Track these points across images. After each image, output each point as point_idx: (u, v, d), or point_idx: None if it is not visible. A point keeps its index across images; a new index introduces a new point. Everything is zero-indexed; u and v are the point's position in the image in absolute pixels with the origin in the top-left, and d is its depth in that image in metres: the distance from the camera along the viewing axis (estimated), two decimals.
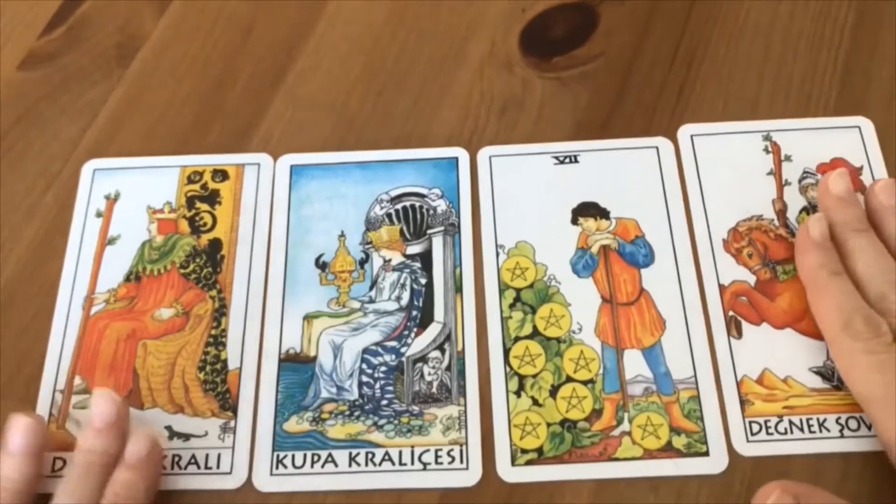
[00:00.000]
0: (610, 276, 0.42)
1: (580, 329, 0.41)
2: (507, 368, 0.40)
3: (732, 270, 0.42)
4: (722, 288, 0.42)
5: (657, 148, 0.45)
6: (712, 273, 0.42)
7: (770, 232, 0.43)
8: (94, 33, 0.52)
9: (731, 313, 0.41)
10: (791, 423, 0.38)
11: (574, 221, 0.44)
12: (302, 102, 0.49)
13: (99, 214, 0.45)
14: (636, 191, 0.44)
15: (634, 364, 0.40)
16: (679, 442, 0.38)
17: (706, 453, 0.38)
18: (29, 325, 0.43)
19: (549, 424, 0.39)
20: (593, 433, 0.39)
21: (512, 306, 0.42)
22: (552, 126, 0.47)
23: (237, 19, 0.52)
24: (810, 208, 0.43)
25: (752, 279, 0.42)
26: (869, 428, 0.38)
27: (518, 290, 0.42)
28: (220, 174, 0.46)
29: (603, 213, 0.44)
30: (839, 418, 0.38)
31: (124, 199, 0.45)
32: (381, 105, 0.48)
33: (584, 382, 0.40)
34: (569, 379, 0.40)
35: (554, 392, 0.40)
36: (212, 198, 0.45)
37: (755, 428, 0.38)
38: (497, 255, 0.43)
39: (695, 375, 0.40)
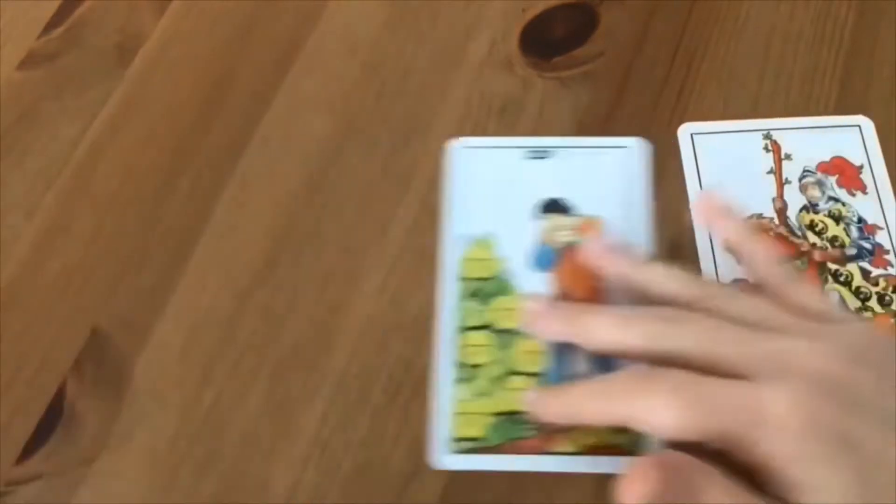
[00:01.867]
0: (568, 273, 0.42)
1: None
2: (456, 357, 0.40)
3: (732, 269, 0.42)
4: None
5: (629, 148, 0.45)
6: (712, 271, 0.42)
7: (770, 230, 0.43)
8: (94, 33, 0.52)
9: None
10: None
11: (538, 217, 0.44)
12: (302, 102, 0.49)
13: None
14: (603, 189, 0.44)
15: (581, 359, 0.40)
16: (618, 438, 0.38)
17: (640, 451, 0.37)
18: (31, 323, 0.43)
19: (490, 414, 0.39)
20: (533, 426, 0.38)
21: (467, 297, 0.42)
22: (553, 126, 0.47)
23: (237, 19, 0.52)
24: (810, 206, 0.43)
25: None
26: None
27: (475, 282, 0.42)
28: None
29: (568, 210, 0.44)
30: None
31: None
32: (381, 105, 0.48)
33: (531, 375, 0.40)
34: (516, 371, 0.40)
35: (499, 383, 0.39)
36: None
37: None
38: (458, 246, 0.43)
39: None
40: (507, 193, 0.44)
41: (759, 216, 0.43)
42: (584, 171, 0.45)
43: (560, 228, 0.43)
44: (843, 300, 0.41)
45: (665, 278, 0.37)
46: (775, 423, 0.30)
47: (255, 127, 0.48)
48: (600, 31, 0.50)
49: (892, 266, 0.42)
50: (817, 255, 0.42)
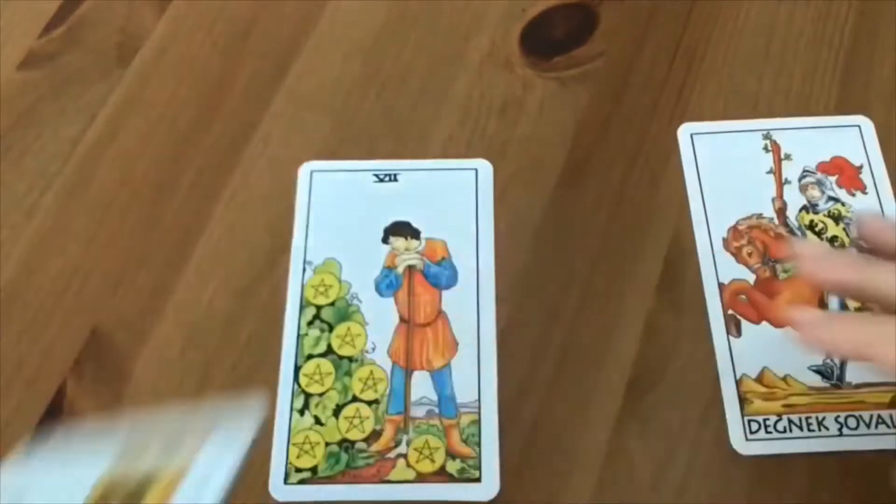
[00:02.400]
0: (411, 297, 0.42)
1: (374, 349, 0.41)
2: (296, 386, 0.40)
3: (732, 269, 0.42)
4: (722, 286, 0.41)
5: (476, 170, 0.45)
6: (712, 271, 0.42)
7: (770, 230, 0.43)
8: (94, 33, 0.52)
9: (730, 312, 0.41)
10: (790, 421, 0.38)
11: (385, 240, 0.43)
12: (302, 102, 0.49)
13: None
14: (450, 212, 0.44)
15: (421, 385, 0.40)
16: (453, 467, 0.38)
17: (478, 479, 0.37)
18: (31, 323, 0.43)
19: (327, 444, 0.38)
20: (370, 454, 0.38)
21: (310, 324, 0.41)
22: (552, 126, 0.47)
23: (237, 19, 0.52)
24: (809, 207, 0.43)
25: (751, 278, 0.42)
26: (868, 427, 0.38)
27: (319, 308, 0.42)
28: None
29: (414, 233, 0.43)
30: (838, 417, 0.38)
31: None
32: (381, 105, 0.48)
33: (369, 403, 0.39)
34: (354, 398, 0.39)
35: (338, 411, 0.39)
36: None
37: (754, 426, 0.38)
38: (304, 270, 0.43)
39: (479, 400, 0.39)
40: (356, 217, 0.44)
41: (759, 216, 0.43)
42: (431, 194, 0.45)
43: (404, 251, 0.43)
44: (844, 303, 0.41)
45: None
46: None
47: (254, 127, 0.48)
48: (600, 31, 0.50)
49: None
50: None
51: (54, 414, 0.41)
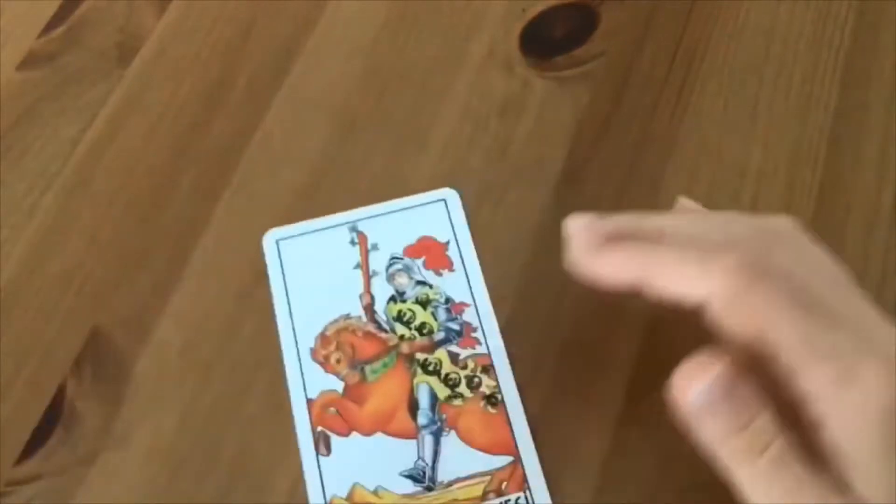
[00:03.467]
0: None
1: None
2: None
3: (321, 380, 0.39)
4: (310, 402, 0.39)
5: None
6: (300, 387, 0.39)
7: (358, 330, 0.40)
8: (94, 33, 0.52)
9: (319, 429, 0.38)
10: None
11: None
12: (302, 103, 0.49)
13: None
14: None
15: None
16: None
17: None
18: (31, 323, 0.43)
19: None
20: None
21: None
22: (552, 126, 0.47)
23: (237, 19, 0.52)
24: (398, 296, 0.41)
25: (340, 386, 0.39)
26: None
27: None
28: None
29: None
30: None
31: None
32: (382, 105, 0.48)
33: None
34: None
35: None
36: None
37: None
38: None
39: None
40: None
41: (347, 317, 0.41)
42: None
43: None
44: (434, 393, 0.39)
45: (686, 221, 0.34)
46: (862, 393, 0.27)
47: (255, 127, 0.48)
48: (600, 31, 0.50)
49: (479, 344, 0.40)
50: (405, 348, 0.40)
51: (54, 414, 0.41)
